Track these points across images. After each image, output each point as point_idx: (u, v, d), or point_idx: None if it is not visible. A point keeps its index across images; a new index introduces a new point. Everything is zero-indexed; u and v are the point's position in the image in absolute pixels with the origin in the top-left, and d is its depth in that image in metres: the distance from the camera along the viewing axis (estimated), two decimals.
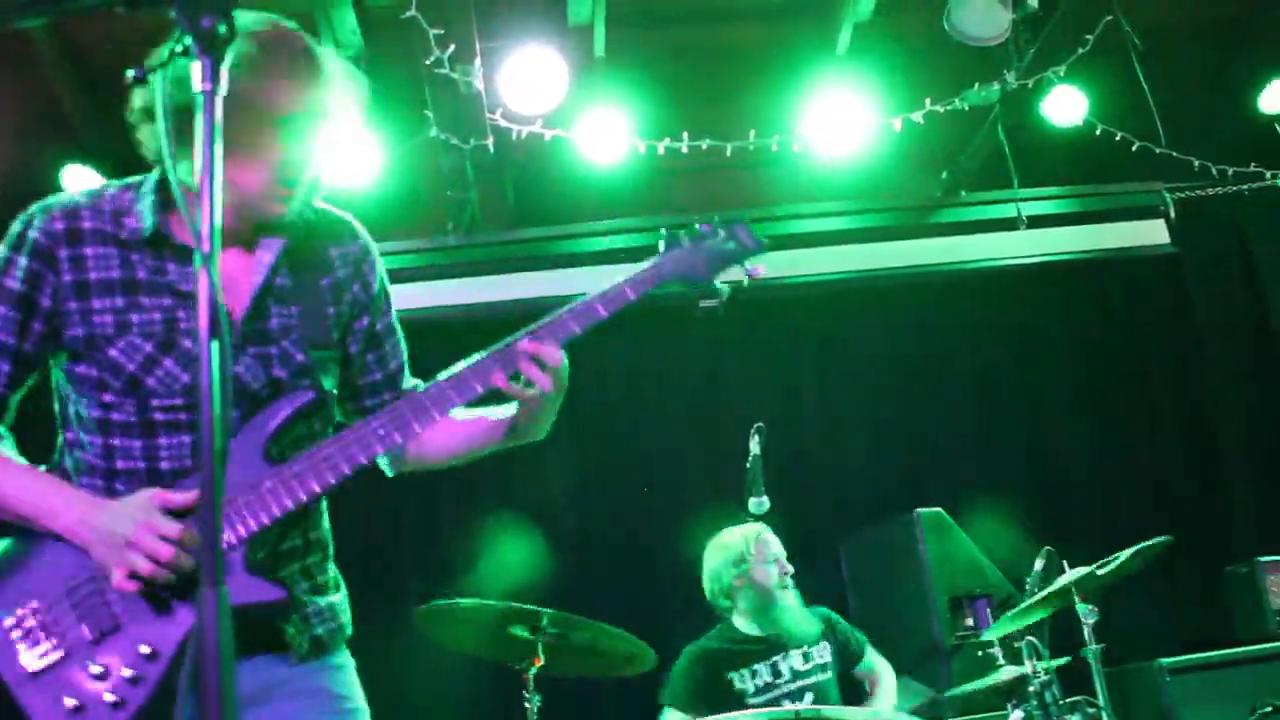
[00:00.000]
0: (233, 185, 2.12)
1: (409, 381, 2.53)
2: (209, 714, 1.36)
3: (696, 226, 2.44)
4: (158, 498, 2.07)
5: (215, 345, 1.47)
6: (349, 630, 2.39)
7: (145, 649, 2.05)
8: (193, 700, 1.42)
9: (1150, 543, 4.50)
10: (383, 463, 2.52)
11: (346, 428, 2.27)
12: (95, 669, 2.05)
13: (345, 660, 2.37)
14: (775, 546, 4.89)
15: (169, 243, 2.22)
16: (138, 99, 2.18)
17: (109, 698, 2.03)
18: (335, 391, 2.41)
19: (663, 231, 2.43)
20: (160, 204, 2.24)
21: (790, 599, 4.83)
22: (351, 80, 2.27)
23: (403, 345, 2.53)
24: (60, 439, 2.29)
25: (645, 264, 2.40)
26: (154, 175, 2.28)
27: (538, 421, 2.43)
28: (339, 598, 2.39)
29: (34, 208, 2.25)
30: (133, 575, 2.04)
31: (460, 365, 2.32)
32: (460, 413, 2.38)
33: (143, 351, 2.18)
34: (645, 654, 4.19)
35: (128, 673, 2.04)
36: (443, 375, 2.33)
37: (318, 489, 2.16)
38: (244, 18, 2.13)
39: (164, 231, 2.22)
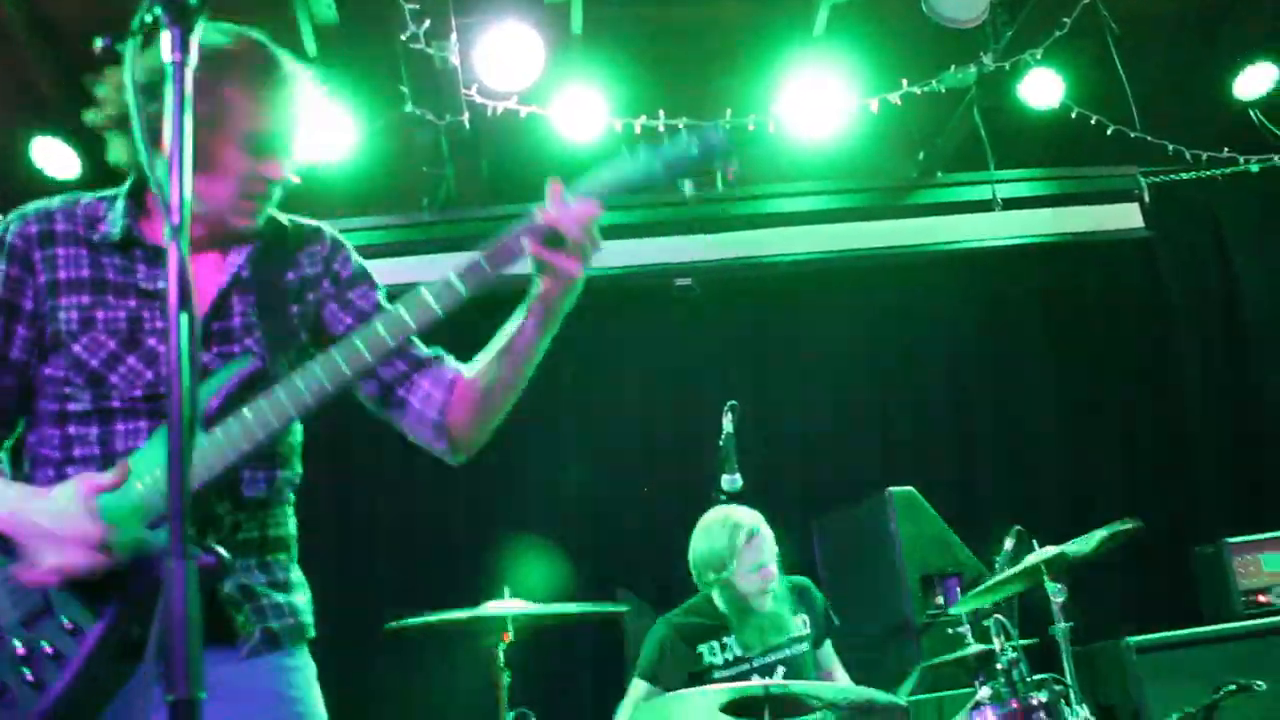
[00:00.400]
0: (200, 199, 2.11)
1: (422, 348, 2.43)
2: (176, 683, 1.37)
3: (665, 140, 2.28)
4: (87, 486, 1.98)
5: (185, 318, 1.47)
6: (310, 632, 2.34)
7: (68, 624, 1.99)
8: (159, 670, 1.42)
9: (1120, 526, 4.53)
10: (440, 453, 2.43)
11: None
12: (20, 650, 2.00)
13: (302, 662, 2.31)
14: (764, 551, 4.65)
15: (140, 243, 2.25)
16: (109, 106, 2.19)
17: (29, 678, 1.99)
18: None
19: (624, 149, 2.27)
20: (131, 209, 2.27)
21: (769, 603, 4.66)
22: (318, 88, 2.28)
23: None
24: (16, 448, 2.26)
25: (605, 169, 2.23)
26: (125, 185, 2.31)
27: (561, 305, 2.27)
28: (301, 599, 2.34)
29: (10, 215, 2.28)
30: (52, 571, 1.97)
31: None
32: (471, 368, 2.35)
33: (106, 348, 2.19)
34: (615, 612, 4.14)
35: (49, 650, 1.99)
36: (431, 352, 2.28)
37: (248, 448, 2.07)
38: (211, 31, 2.14)
39: (135, 234, 2.26)
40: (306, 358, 2.22)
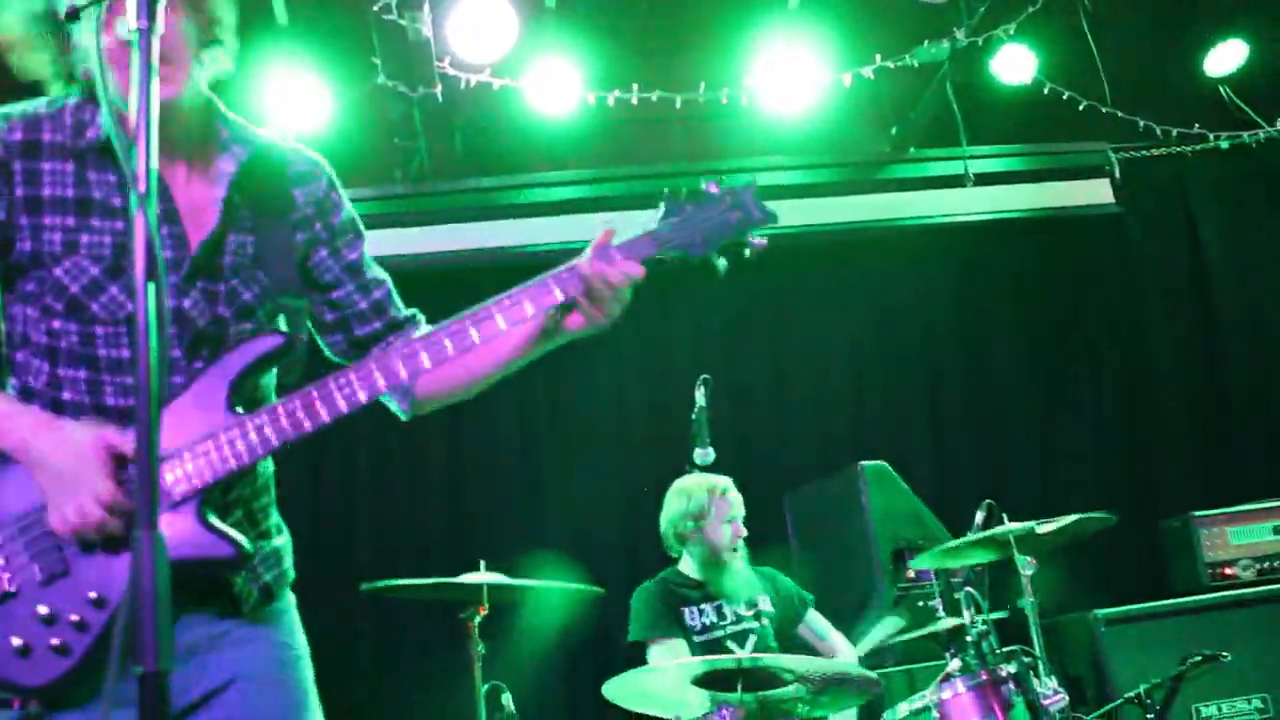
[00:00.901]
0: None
1: (400, 309, 2.48)
2: (145, 657, 1.36)
3: (702, 187, 2.26)
4: (104, 441, 2.01)
5: (152, 288, 1.45)
6: (292, 574, 2.36)
7: (93, 594, 2.02)
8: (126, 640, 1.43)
9: (1090, 515, 4.59)
10: (394, 407, 2.47)
11: (317, 380, 2.19)
12: (43, 611, 2.02)
13: (288, 605, 2.34)
14: (736, 507, 4.92)
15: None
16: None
17: (54, 642, 2.01)
18: (304, 335, 2.38)
19: (665, 191, 2.26)
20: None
21: (738, 562, 4.90)
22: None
23: (384, 275, 2.47)
24: (5, 357, 2.24)
25: (641, 232, 2.26)
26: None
27: (572, 338, 2.34)
28: (282, 541, 2.36)
29: None
30: (66, 521, 2.00)
31: (452, 320, 2.22)
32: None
33: (88, 274, 2.14)
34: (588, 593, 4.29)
35: (75, 618, 2.02)
36: (432, 328, 2.26)
37: (276, 443, 2.11)
38: None
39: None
40: (299, 308, 2.29)
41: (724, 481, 4.95)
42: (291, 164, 2.37)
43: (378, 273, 2.46)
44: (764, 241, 2.25)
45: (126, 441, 2.02)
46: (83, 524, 1.99)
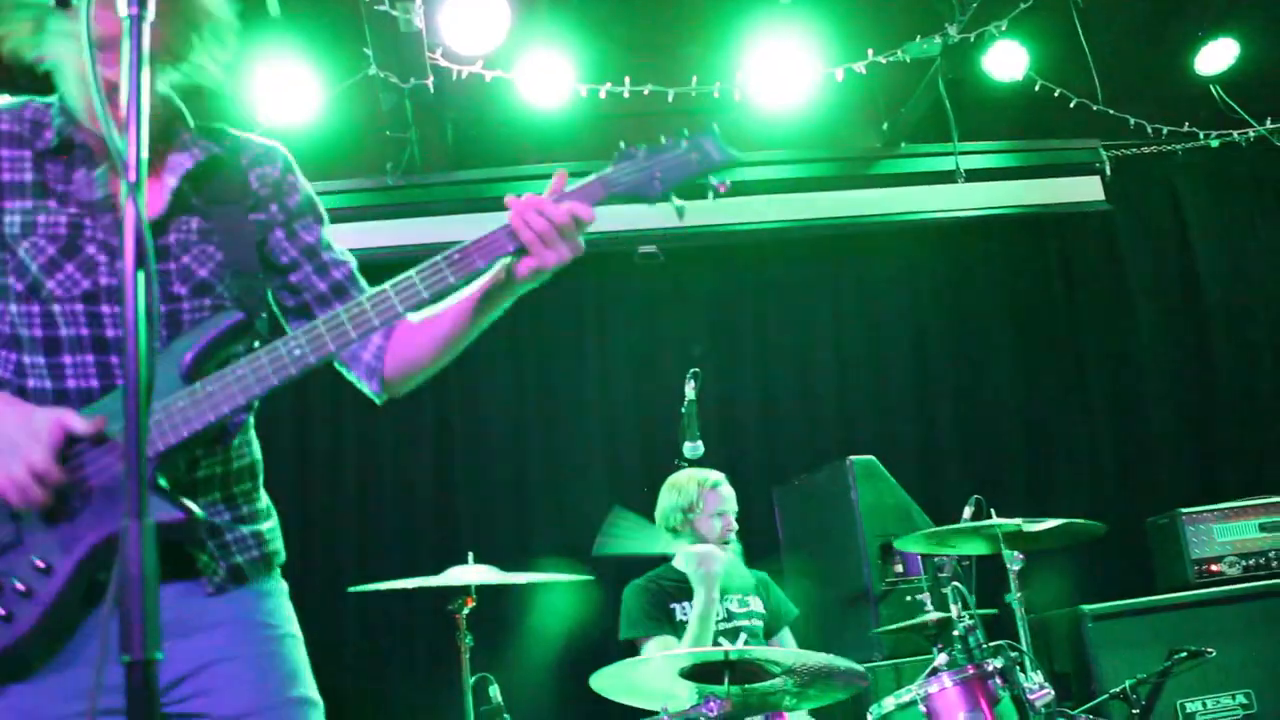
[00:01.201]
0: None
1: (365, 291, 2.38)
2: (133, 642, 1.36)
3: (661, 139, 2.26)
4: (62, 423, 2.02)
5: (141, 276, 1.45)
6: (280, 557, 2.34)
7: (40, 563, 2.02)
8: (115, 624, 1.42)
9: (1080, 522, 4.60)
10: (366, 391, 2.45)
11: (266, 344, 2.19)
12: None
13: (273, 587, 2.31)
14: (727, 501, 4.96)
15: (73, 147, 2.21)
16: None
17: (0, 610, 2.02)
18: (264, 314, 2.36)
19: (621, 144, 2.26)
20: (64, 112, 2.22)
21: (728, 552, 4.85)
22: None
23: (347, 257, 2.45)
24: None
25: (593, 176, 2.25)
26: (58, 94, 2.26)
27: (529, 286, 2.29)
28: (268, 525, 2.34)
29: None
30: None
31: (403, 275, 2.19)
32: (416, 316, 2.32)
33: (46, 254, 2.15)
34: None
35: (21, 587, 2.02)
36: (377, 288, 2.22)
37: (227, 410, 2.10)
38: None
39: (70, 138, 2.21)
40: (257, 285, 2.27)
41: (715, 475, 4.97)
42: (246, 150, 2.37)
43: (339, 255, 2.44)
44: (727, 184, 2.25)
45: (84, 424, 2.03)
46: (11, 489, 1.99)
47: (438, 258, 2.18)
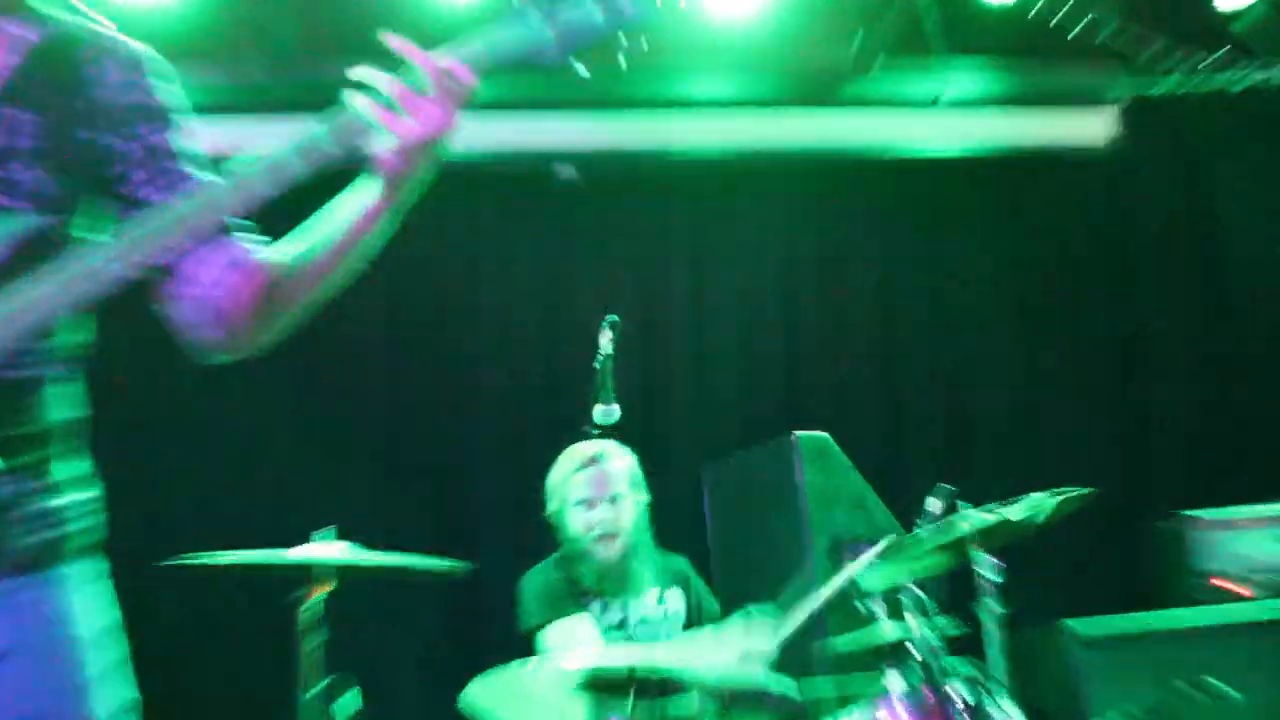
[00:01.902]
0: None
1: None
2: None
3: None
4: None
5: None
6: (88, 538, 2.20)
7: None
8: None
9: (1071, 492, 4.38)
10: (210, 345, 2.34)
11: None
12: None
13: (74, 573, 2.19)
14: (598, 485, 4.57)
15: None
16: None
17: None
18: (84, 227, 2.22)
19: (513, 2, 2.12)
20: None
21: (612, 555, 4.57)
22: None
23: (204, 174, 2.30)
24: None
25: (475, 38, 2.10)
26: None
27: (408, 183, 2.14)
28: (73, 499, 2.20)
29: None
30: None
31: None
32: (277, 251, 2.22)
33: None
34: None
35: None
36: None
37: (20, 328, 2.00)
38: None
39: None
40: (88, 199, 2.20)
41: (594, 448, 4.60)
42: (93, 38, 2.29)
43: (199, 165, 2.32)
44: (643, 45, 2.12)
45: None
46: None
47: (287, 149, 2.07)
